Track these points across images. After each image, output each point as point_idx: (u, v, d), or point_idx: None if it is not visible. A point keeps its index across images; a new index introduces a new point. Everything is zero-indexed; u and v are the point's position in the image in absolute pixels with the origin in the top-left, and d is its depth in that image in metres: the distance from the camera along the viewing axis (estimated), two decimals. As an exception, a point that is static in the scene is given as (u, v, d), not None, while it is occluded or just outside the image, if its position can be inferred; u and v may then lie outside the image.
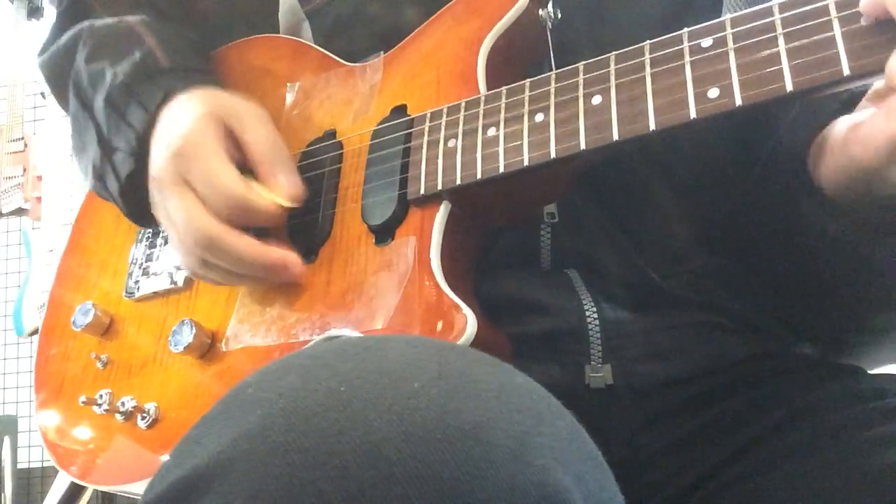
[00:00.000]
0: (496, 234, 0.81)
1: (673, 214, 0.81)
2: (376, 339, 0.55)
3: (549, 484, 0.42)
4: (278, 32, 0.98)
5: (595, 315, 0.78)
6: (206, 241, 0.78)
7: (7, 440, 3.29)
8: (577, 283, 0.80)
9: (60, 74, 1.01)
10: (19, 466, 3.34)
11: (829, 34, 0.59)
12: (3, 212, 3.84)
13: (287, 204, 0.80)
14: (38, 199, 3.76)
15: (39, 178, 3.79)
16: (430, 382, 0.44)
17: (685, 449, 0.78)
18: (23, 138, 3.87)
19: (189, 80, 0.88)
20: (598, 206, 0.81)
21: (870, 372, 0.85)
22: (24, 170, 3.85)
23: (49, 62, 1.04)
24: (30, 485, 3.40)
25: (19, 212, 3.83)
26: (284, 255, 0.79)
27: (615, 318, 0.79)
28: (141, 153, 0.86)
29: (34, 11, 3.76)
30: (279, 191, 0.80)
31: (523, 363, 0.67)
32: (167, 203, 0.81)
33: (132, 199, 0.90)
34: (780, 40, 0.61)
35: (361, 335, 0.71)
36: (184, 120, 0.82)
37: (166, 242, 0.97)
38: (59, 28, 1.04)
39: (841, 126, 0.64)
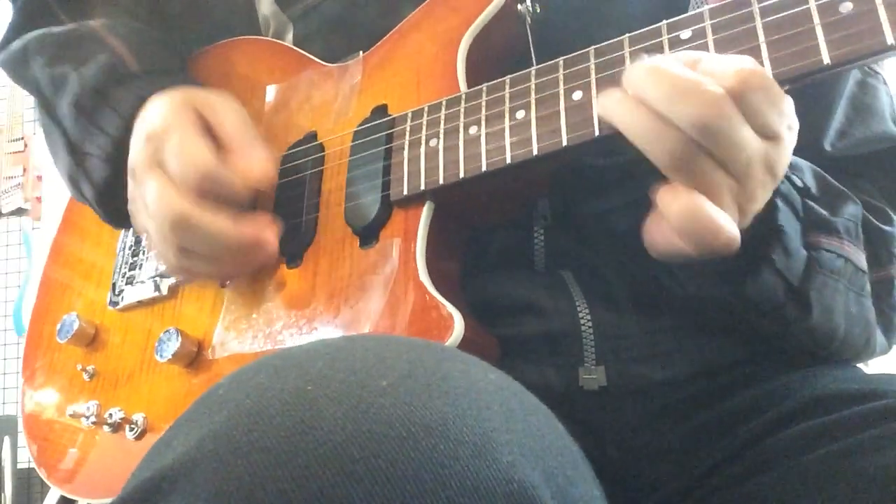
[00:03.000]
0: (488, 236, 0.81)
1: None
2: (350, 338, 0.55)
3: (514, 480, 0.42)
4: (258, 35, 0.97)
5: (588, 316, 0.78)
6: (178, 221, 0.75)
7: (7, 440, 3.30)
8: (571, 284, 0.79)
9: (22, 75, 0.99)
10: (19, 466, 3.35)
11: (808, 24, 0.58)
12: (3, 212, 3.84)
13: (256, 176, 0.77)
14: (38, 199, 3.77)
15: (39, 178, 3.79)
16: (398, 381, 0.44)
17: (681, 449, 0.77)
18: (23, 138, 3.87)
19: (162, 83, 0.87)
20: (593, 207, 0.80)
21: (868, 372, 0.84)
22: (24, 170, 3.85)
23: (6, 64, 1.02)
24: (30, 485, 3.41)
25: (19, 212, 3.84)
26: (258, 229, 0.78)
27: (609, 320, 0.78)
28: (117, 158, 0.85)
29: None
30: (250, 165, 0.78)
31: (518, 365, 0.67)
32: (142, 190, 0.79)
33: (110, 205, 0.90)
34: (760, 31, 0.60)
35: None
36: (158, 111, 0.81)
37: (150, 250, 0.96)
38: (16, 27, 1.03)
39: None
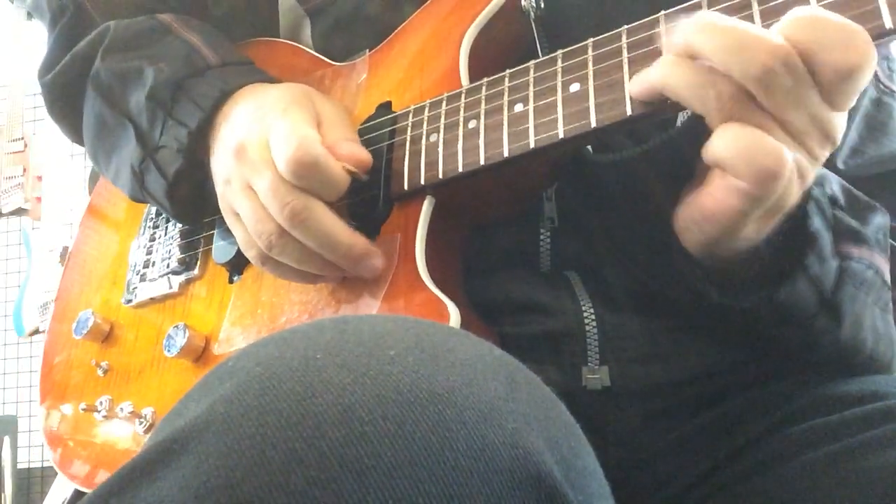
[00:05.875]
0: (493, 236, 0.81)
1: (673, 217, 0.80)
2: (356, 316, 0.56)
3: (520, 446, 0.42)
4: (278, 31, 0.97)
5: (593, 316, 0.78)
6: (296, 209, 0.72)
7: (7, 440, 3.29)
8: (576, 284, 0.79)
9: (73, 85, 0.98)
10: (19, 466, 3.34)
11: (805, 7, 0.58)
12: (3, 212, 3.83)
13: (353, 170, 0.74)
14: (38, 199, 3.76)
15: (39, 178, 3.78)
16: (406, 351, 0.45)
17: (683, 450, 0.78)
18: (23, 138, 3.86)
19: (240, 76, 0.86)
20: (598, 210, 0.80)
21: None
22: (24, 170, 3.83)
23: (59, 77, 1.01)
24: (30, 485, 3.40)
25: (19, 212, 3.82)
26: (371, 247, 0.75)
27: (613, 320, 0.78)
28: (191, 151, 0.84)
29: (35, 12, 3.74)
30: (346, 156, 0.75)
31: (520, 364, 0.67)
32: (253, 172, 0.75)
33: (179, 196, 0.88)
34: (756, 17, 0.60)
35: None
36: (268, 92, 0.81)
37: (163, 247, 0.97)
38: (62, 46, 1.02)
39: (687, 206, 0.66)
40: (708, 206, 0.62)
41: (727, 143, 0.58)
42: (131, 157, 0.89)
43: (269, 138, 0.75)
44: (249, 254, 0.79)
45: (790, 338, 0.75)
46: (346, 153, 0.74)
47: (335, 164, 0.73)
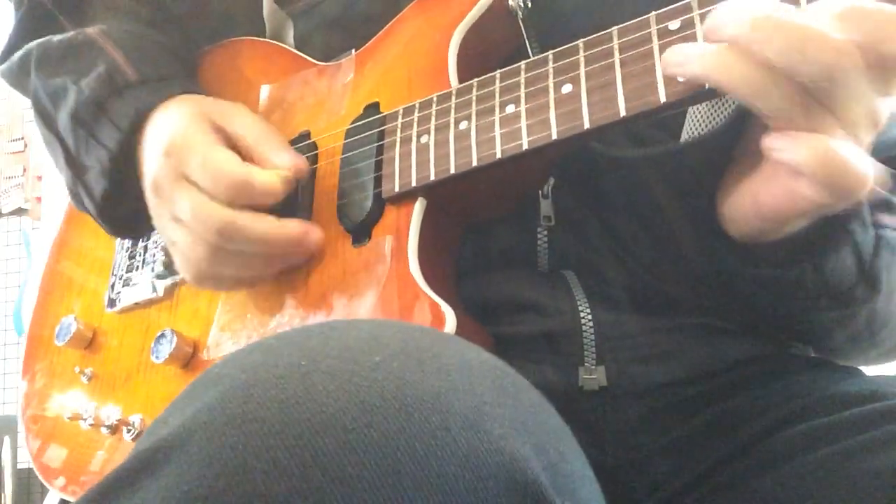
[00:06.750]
0: (491, 236, 0.80)
1: (673, 218, 0.80)
2: (344, 321, 0.56)
3: (505, 452, 0.42)
4: (263, 35, 0.97)
5: (590, 316, 0.77)
6: (221, 226, 0.75)
7: (7, 440, 3.30)
8: (573, 283, 0.79)
9: (24, 86, 0.99)
10: (19, 466, 3.35)
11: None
12: (3, 212, 3.84)
13: (290, 175, 0.78)
14: (38, 199, 3.77)
15: (39, 178, 3.79)
16: (392, 357, 0.45)
17: (682, 450, 0.77)
18: (23, 138, 3.88)
19: (162, 91, 0.86)
20: (597, 209, 0.80)
21: (868, 373, 0.84)
22: (24, 170, 3.85)
23: (7, 74, 1.02)
24: (30, 485, 3.41)
25: (19, 212, 3.84)
26: (305, 225, 0.78)
27: (611, 320, 0.78)
28: (114, 172, 0.85)
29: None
30: (281, 164, 0.78)
31: (517, 364, 0.67)
32: (173, 205, 0.79)
33: (110, 216, 0.90)
34: None
35: None
36: (170, 124, 0.81)
37: (146, 251, 0.96)
38: (18, 35, 1.02)
39: (739, 198, 0.65)
40: (768, 204, 0.61)
41: (808, 154, 0.55)
42: (65, 177, 0.92)
43: (184, 170, 0.78)
44: (187, 276, 0.82)
45: (827, 310, 0.73)
46: (280, 163, 0.78)
47: (261, 176, 0.76)
